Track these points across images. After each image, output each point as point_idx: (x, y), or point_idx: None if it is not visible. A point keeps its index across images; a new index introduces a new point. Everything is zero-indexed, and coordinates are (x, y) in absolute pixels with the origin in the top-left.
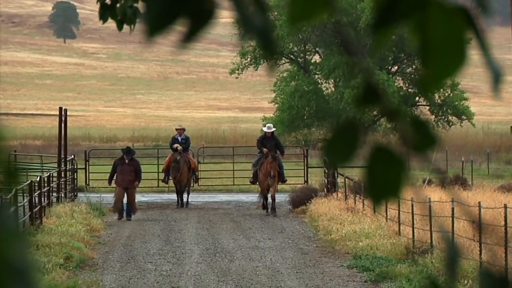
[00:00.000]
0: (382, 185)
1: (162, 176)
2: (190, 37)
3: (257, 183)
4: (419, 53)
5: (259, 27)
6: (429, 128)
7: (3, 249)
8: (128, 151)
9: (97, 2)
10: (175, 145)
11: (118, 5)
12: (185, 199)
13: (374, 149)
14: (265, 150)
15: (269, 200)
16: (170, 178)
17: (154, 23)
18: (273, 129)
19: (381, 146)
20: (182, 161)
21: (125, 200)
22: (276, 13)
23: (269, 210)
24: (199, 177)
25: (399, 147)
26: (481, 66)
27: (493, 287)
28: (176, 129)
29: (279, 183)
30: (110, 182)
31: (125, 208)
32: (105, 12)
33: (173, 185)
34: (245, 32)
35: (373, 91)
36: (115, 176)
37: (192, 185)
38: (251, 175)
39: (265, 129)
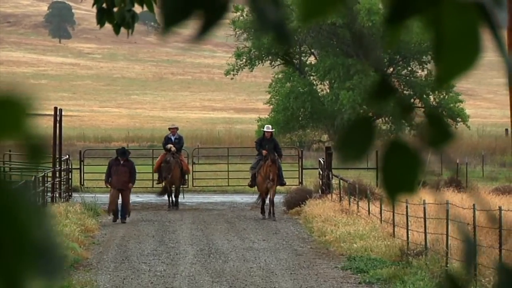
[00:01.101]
0: (397, 180)
1: (156, 176)
2: (204, 31)
3: (255, 186)
4: (433, 48)
5: (275, 21)
6: (445, 123)
7: (28, 227)
8: (122, 152)
9: (93, 6)
10: (169, 145)
11: (115, 9)
12: (175, 200)
13: (390, 144)
14: (264, 152)
15: (266, 202)
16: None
17: (170, 17)
18: (272, 129)
19: (397, 141)
20: (174, 161)
21: (119, 201)
22: None
23: (267, 214)
24: (194, 177)
25: (415, 143)
26: (479, 68)
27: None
28: (169, 129)
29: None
30: (107, 182)
31: (119, 210)
32: (102, 17)
33: (165, 186)
34: (261, 26)
35: (387, 86)
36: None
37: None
38: (250, 178)
39: (264, 128)
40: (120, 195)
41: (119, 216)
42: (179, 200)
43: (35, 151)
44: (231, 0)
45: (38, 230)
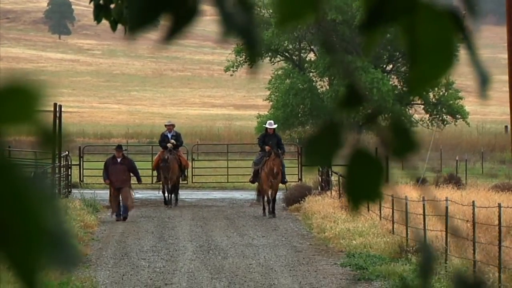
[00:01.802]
0: (360, 188)
1: (156, 173)
2: (173, 34)
3: (257, 182)
4: (407, 55)
5: (241, 26)
6: (409, 133)
7: (40, 216)
8: (119, 146)
9: (90, 2)
10: (169, 144)
11: (112, 5)
12: (174, 197)
13: (354, 152)
14: (267, 148)
15: (266, 199)
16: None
17: (136, 20)
18: (274, 125)
19: (360, 149)
20: (172, 158)
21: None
22: (270, 11)
23: (267, 211)
24: (193, 174)
25: (379, 151)
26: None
27: None
28: (166, 126)
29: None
30: (105, 180)
31: (121, 208)
32: (99, 13)
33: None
34: (226, 31)
35: (355, 94)
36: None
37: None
38: (251, 174)
39: (267, 125)
40: (120, 194)
41: (121, 214)
42: (177, 197)
43: (47, 138)
44: (201, 4)
45: (52, 219)
